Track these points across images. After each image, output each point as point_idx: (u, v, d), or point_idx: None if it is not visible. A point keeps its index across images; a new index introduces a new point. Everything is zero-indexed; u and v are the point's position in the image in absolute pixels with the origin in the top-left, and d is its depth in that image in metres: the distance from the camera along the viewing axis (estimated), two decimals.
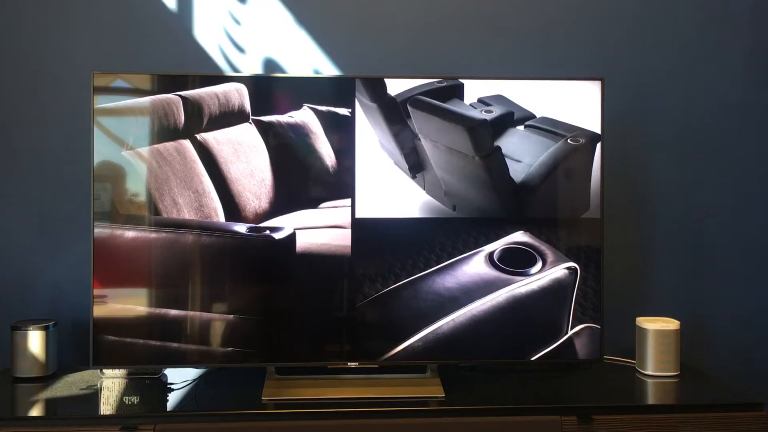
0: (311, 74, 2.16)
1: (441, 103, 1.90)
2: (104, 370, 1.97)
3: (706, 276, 2.28)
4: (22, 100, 2.13)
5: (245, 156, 1.89)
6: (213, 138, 1.88)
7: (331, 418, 1.72)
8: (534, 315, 1.92)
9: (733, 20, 2.26)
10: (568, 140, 1.92)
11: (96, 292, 1.84)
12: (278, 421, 1.72)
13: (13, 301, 2.13)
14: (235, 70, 2.17)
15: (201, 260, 1.87)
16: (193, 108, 1.87)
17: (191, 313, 1.86)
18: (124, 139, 1.84)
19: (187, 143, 1.87)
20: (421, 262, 1.90)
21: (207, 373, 2.00)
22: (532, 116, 1.92)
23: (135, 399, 1.81)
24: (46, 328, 1.97)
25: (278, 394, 1.81)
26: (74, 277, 2.10)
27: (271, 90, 1.95)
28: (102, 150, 1.84)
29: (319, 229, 1.89)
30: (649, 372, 2.00)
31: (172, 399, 1.85)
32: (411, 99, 1.90)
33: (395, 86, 1.90)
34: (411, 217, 1.91)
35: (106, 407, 1.78)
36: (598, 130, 1.93)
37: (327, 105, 1.90)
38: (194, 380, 1.96)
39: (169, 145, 1.86)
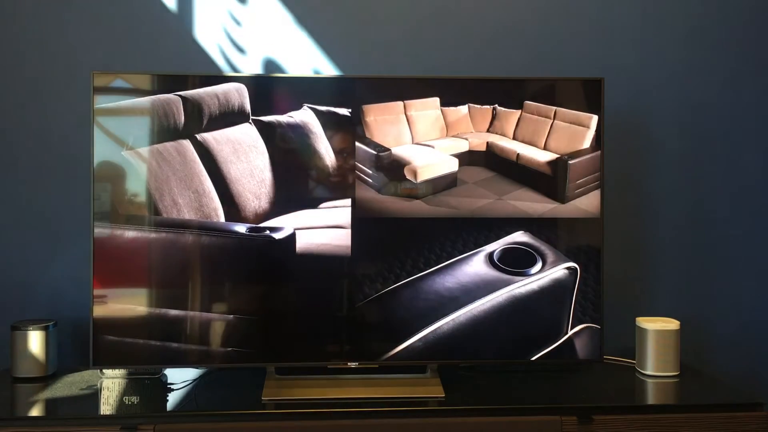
0: (311, 74, 2.16)
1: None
2: (104, 370, 1.97)
3: (706, 276, 2.28)
4: (22, 100, 2.13)
5: (245, 156, 1.89)
6: (213, 138, 1.88)
7: (331, 418, 1.71)
8: (534, 315, 1.92)
9: (733, 20, 2.26)
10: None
11: (96, 292, 1.84)
12: (278, 421, 1.72)
13: (13, 301, 2.13)
14: (235, 70, 2.17)
15: (201, 260, 1.88)
16: (193, 108, 1.87)
17: (191, 313, 1.87)
18: (124, 139, 1.85)
19: (187, 143, 1.87)
20: (421, 262, 1.90)
21: (207, 373, 2.00)
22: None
23: (135, 399, 1.81)
24: (46, 328, 1.97)
25: (278, 394, 1.81)
26: (74, 277, 2.10)
27: (271, 90, 1.95)
28: (102, 150, 1.85)
29: (319, 229, 1.89)
30: (649, 372, 2.00)
31: (172, 399, 1.85)
32: None
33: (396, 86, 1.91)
34: (412, 217, 1.91)
35: (106, 407, 1.78)
36: (597, 130, 1.93)
37: (327, 105, 1.90)
38: (194, 380, 1.96)
39: (169, 145, 1.86)
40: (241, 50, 2.18)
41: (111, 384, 1.93)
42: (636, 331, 2.04)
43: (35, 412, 1.76)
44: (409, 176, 1.91)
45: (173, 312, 1.86)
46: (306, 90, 1.91)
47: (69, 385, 1.91)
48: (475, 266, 1.91)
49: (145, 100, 1.86)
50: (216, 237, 1.87)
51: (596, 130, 1.94)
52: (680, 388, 1.95)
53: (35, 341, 1.95)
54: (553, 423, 1.72)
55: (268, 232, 1.87)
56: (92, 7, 2.14)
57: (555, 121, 1.94)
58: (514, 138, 1.94)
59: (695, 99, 2.26)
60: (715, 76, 2.26)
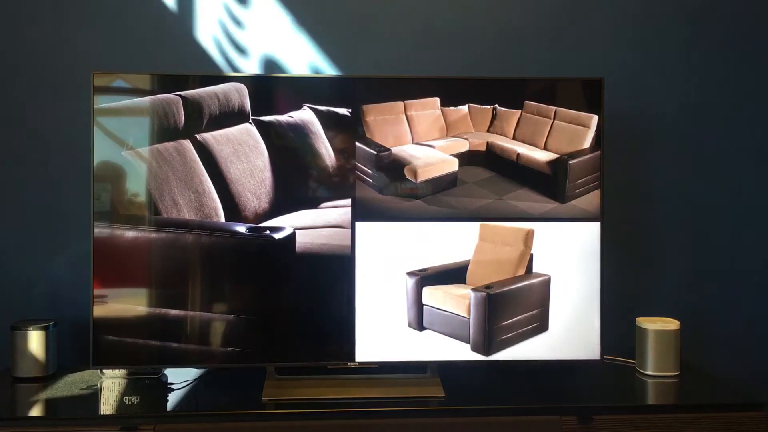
0: (311, 74, 2.16)
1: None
2: (104, 370, 1.97)
3: (706, 276, 2.28)
4: (22, 100, 2.13)
5: (245, 156, 1.89)
6: (213, 138, 1.88)
7: (331, 418, 1.72)
8: None
9: (733, 20, 2.26)
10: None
11: (96, 292, 1.84)
12: (278, 421, 1.72)
13: (13, 301, 2.13)
14: (235, 70, 2.17)
15: (201, 260, 1.87)
16: (193, 108, 1.87)
17: (191, 313, 1.86)
18: (124, 139, 1.85)
19: (187, 143, 1.87)
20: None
21: (207, 373, 2.00)
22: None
23: (135, 399, 1.81)
24: (46, 328, 1.97)
25: (278, 394, 1.81)
26: (74, 277, 2.10)
27: (271, 90, 1.95)
28: (102, 150, 1.85)
29: (319, 229, 1.89)
30: (649, 372, 2.00)
31: (172, 399, 1.85)
32: None
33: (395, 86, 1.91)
34: (412, 217, 1.91)
35: (106, 407, 1.78)
36: (597, 130, 1.94)
37: (327, 105, 1.90)
38: (194, 380, 1.96)
39: (169, 145, 1.86)
40: (241, 50, 2.18)
41: (111, 384, 1.93)
42: (636, 331, 2.04)
43: (35, 412, 1.76)
44: (409, 176, 1.91)
45: (173, 312, 1.86)
46: (306, 90, 1.91)
47: (69, 385, 1.91)
48: None
49: (145, 100, 1.86)
50: (216, 237, 1.87)
51: (596, 130, 1.94)
52: (680, 388, 1.95)
53: (35, 341, 1.95)
54: (553, 423, 1.72)
55: (268, 232, 1.87)
56: (92, 7, 2.14)
57: (555, 121, 1.94)
58: (514, 138, 1.94)
59: (695, 99, 2.26)
60: (715, 76, 2.26)
